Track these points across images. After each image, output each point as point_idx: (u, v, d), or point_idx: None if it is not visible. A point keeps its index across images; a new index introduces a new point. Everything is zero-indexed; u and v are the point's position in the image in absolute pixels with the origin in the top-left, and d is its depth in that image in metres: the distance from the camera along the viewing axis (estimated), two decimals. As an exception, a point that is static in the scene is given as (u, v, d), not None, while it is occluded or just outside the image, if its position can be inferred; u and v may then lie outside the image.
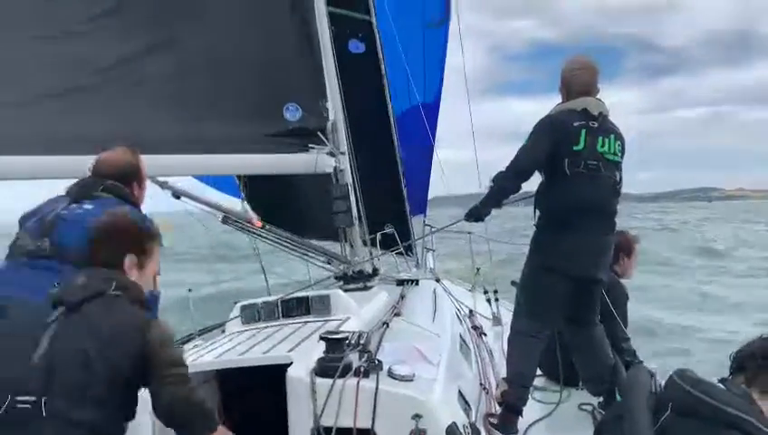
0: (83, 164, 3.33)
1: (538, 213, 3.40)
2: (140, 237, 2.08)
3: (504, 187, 3.33)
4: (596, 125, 3.24)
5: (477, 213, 3.41)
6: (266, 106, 4.42)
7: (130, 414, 1.91)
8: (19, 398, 1.70)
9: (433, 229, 6.40)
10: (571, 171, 3.19)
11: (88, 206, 2.47)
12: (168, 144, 4.16)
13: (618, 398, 3.21)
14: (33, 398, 1.71)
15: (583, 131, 3.20)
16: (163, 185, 4.19)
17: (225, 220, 4.51)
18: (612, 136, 3.29)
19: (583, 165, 3.19)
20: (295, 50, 4.49)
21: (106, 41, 4.19)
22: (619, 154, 3.33)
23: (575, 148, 3.20)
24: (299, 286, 4.55)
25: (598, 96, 3.36)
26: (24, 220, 2.51)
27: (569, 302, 3.35)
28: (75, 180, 2.68)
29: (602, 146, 3.24)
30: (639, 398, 1.54)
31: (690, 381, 1.55)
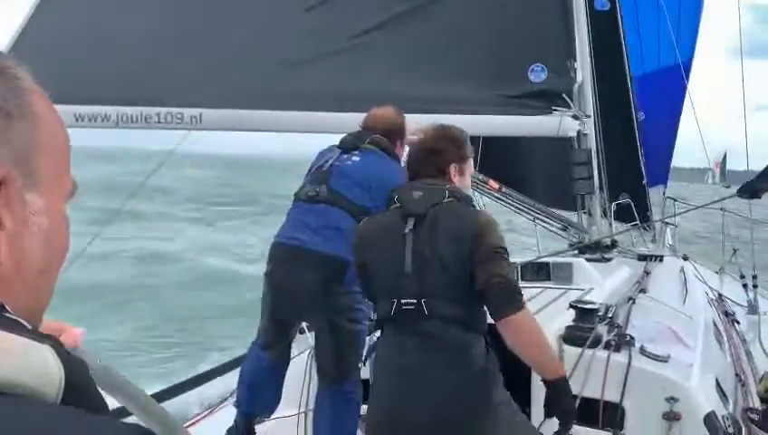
0: (340, 120, 3.59)
1: None
2: (461, 146, 2.25)
3: None
4: None
5: (752, 188, 3.07)
6: (512, 67, 4.36)
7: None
8: (403, 301, 2.00)
9: (676, 202, 5.88)
10: None
11: (356, 157, 2.72)
12: (417, 103, 4.33)
13: None
14: (413, 300, 1.99)
15: None
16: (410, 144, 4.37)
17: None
18: None
19: None
20: (546, 8, 4.35)
21: (365, 8, 4.45)
22: None
23: None
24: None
25: None
26: (311, 167, 2.83)
27: None
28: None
29: None
30: None
31: None
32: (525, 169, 6.01)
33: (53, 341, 0.47)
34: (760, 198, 3.10)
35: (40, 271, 0.54)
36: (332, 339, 2.55)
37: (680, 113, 7.11)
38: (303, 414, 2.77)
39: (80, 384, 0.47)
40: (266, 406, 2.69)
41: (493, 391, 2.01)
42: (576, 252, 4.44)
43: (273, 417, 2.82)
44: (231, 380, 3.12)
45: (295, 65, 4.45)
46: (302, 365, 2.73)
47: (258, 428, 2.76)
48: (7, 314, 0.48)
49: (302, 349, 2.86)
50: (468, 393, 1.96)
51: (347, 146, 2.78)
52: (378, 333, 2.21)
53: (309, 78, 4.38)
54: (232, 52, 4.48)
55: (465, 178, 2.24)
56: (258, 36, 4.50)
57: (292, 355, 2.81)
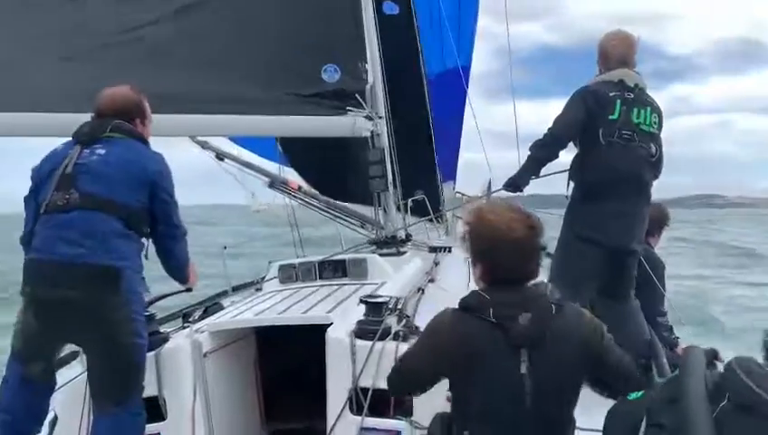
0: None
1: (572, 184, 3.39)
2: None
3: (539, 155, 3.33)
4: (632, 96, 3.25)
5: (516, 182, 3.39)
6: (305, 67, 4.39)
7: None
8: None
9: (466, 198, 6.35)
10: (605, 141, 3.21)
11: (101, 151, 2.46)
12: (205, 104, 4.17)
13: (654, 375, 3.21)
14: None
15: (618, 101, 3.22)
16: (204, 145, 4.20)
17: (271, 185, 4.51)
18: (649, 108, 3.29)
19: (617, 134, 3.20)
20: (336, 11, 4.44)
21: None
22: (656, 126, 3.32)
23: (610, 117, 3.21)
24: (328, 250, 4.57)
25: (636, 69, 3.33)
26: (37, 174, 2.49)
27: (603, 274, 3.33)
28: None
29: (638, 117, 3.25)
30: (697, 383, 1.47)
31: (751, 374, 1.41)
32: (335, 168, 6.08)
33: None
34: (522, 191, 3.45)
35: None
36: (112, 357, 2.32)
37: (463, 114, 7.70)
38: None
39: None
40: (26, 431, 2.40)
41: None
42: (374, 247, 4.60)
43: None
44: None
45: (58, 60, 4.01)
46: (78, 391, 2.48)
47: None
48: None
49: (78, 373, 2.60)
50: None
51: (86, 139, 2.48)
52: None
53: (77, 75, 3.97)
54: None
55: None
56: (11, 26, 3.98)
57: (66, 380, 2.55)
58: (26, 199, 2.53)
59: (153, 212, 2.51)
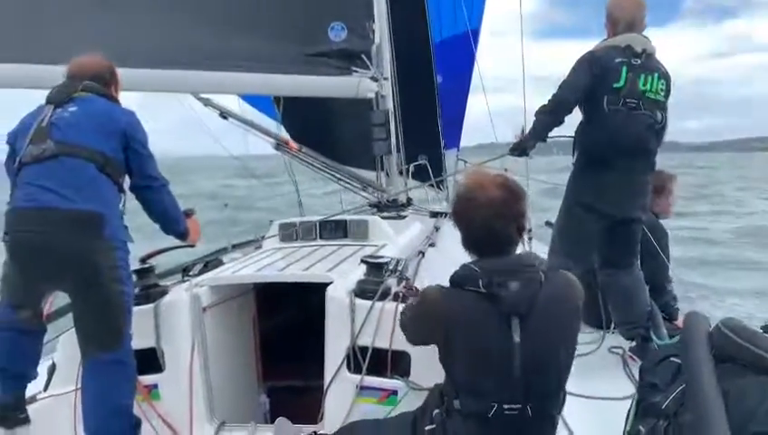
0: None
1: (576, 152, 3.34)
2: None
3: (545, 120, 3.27)
4: (638, 62, 3.16)
5: (522, 146, 3.35)
6: (311, 24, 4.31)
7: None
8: (506, 405, 1.82)
9: (467, 163, 6.30)
10: (609, 109, 3.14)
11: (73, 108, 2.49)
12: (208, 60, 4.11)
13: (653, 343, 3.22)
14: (518, 405, 1.82)
15: (624, 68, 3.13)
16: (206, 102, 4.14)
17: (277, 147, 4.46)
18: (656, 74, 3.20)
19: (622, 102, 3.13)
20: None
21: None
22: (663, 93, 3.23)
23: (615, 85, 3.13)
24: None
25: (644, 33, 3.25)
26: (12, 136, 2.51)
27: (606, 242, 3.31)
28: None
29: (644, 84, 3.16)
30: (701, 346, 1.49)
31: (734, 330, 1.49)
32: (337, 129, 6.03)
33: None
34: (528, 154, 3.41)
35: None
36: (95, 302, 2.31)
37: (470, 81, 7.59)
38: (81, 391, 2.55)
39: None
40: (22, 374, 2.42)
41: None
42: (374, 210, 4.58)
43: (46, 395, 2.57)
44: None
45: (59, 12, 3.95)
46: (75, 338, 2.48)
47: (31, 407, 2.49)
48: None
49: None
50: None
51: (59, 99, 2.51)
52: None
53: (83, 32, 3.91)
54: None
55: None
56: None
57: (64, 328, 2.56)
58: (6, 165, 2.54)
59: (128, 164, 2.51)
